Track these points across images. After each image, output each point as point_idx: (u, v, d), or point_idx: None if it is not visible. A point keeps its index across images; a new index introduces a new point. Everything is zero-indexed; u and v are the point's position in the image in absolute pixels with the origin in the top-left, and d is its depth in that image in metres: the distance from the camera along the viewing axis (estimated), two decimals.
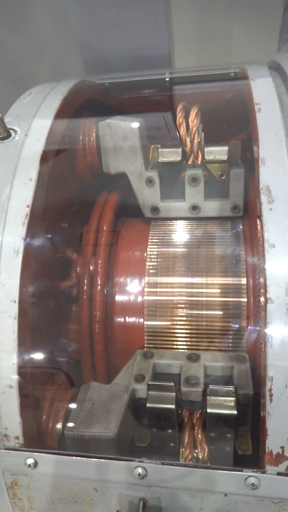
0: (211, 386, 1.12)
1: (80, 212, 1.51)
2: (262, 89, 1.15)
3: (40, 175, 1.08)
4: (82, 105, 1.46)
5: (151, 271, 1.40)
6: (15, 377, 0.97)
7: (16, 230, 1.03)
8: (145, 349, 1.35)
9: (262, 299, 0.93)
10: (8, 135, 1.15)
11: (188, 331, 1.34)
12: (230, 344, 1.32)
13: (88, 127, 1.43)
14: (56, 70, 1.80)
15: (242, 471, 0.91)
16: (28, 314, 1.01)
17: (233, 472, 0.91)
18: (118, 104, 1.66)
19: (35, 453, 0.98)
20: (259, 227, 1.00)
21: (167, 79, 1.58)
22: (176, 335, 1.35)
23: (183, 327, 1.34)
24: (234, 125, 1.69)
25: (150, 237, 1.46)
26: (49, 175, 1.13)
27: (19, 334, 0.97)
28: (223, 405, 1.09)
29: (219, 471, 0.92)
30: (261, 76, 1.20)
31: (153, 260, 1.42)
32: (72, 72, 1.74)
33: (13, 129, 1.18)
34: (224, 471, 0.92)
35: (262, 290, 0.93)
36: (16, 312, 0.98)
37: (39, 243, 1.09)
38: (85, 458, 0.98)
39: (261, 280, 0.94)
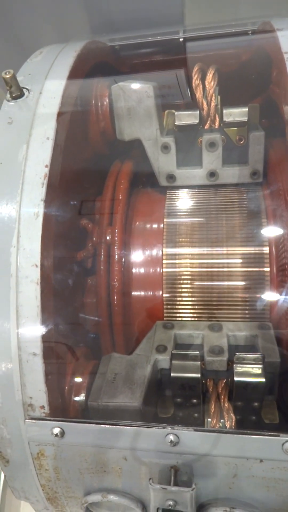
0: (237, 354, 1.09)
1: (93, 182, 1.45)
2: None
3: (58, 134, 1.02)
4: (93, 68, 1.39)
5: (168, 241, 1.35)
6: (39, 344, 0.93)
7: (35, 192, 0.97)
8: (164, 320, 1.31)
9: None
10: (21, 94, 1.09)
11: (208, 302, 1.30)
12: (253, 314, 1.29)
13: (100, 91, 1.37)
14: (61, 32, 1.71)
15: (279, 436, 0.87)
16: (50, 280, 0.97)
17: (269, 437, 0.88)
18: (130, 69, 1.58)
19: (62, 422, 0.95)
20: None
21: (181, 39, 1.50)
22: (196, 306, 1.31)
23: (203, 298, 1.30)
24: (250, 89, 1.62)
25: (166, 206, 1.41)
26: (66, 136, 1.07)
27: (42, 300, 0.93)
28: (251, 373, 1.06)
29: (255, 436, 0.89)
30: None
31: (170, 230, 1.37)
32: (78, 34, 1.65)
33: (26, 88, 1.11)
34: (260, 436, 0.88)
35: None
36: (38, 277, 0.94)
37: (58, 207, 1.04)
38: (114, 426, 0.94)
39: None
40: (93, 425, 0.95)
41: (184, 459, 0.93)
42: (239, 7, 1.47)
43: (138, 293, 1.35)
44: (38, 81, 1.12)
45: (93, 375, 1.15)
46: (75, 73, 1.16)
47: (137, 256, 1.37)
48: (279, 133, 1.35)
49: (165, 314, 1.32)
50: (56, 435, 0.95)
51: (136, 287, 1.35)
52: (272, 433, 0.88)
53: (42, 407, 0.96)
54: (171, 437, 0.91)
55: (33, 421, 0.95)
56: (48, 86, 1.11)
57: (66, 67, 1.15)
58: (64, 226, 1.14)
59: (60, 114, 1.05)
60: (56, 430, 0.95)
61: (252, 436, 0.89)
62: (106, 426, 0.94)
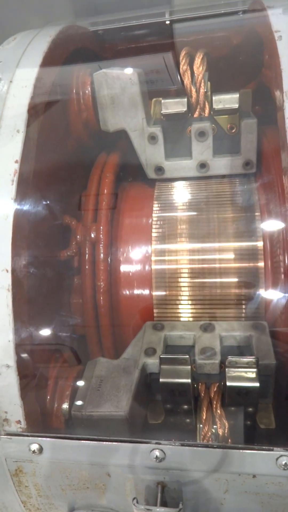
0: (229, 357, 1.04)
1: (77, 176, 1.38)
2: (282, 16, 0.99)
3: (29, 126, 0.95)
4: (74, 55, 1.30)
5: (157, 237, 1.29)
6: (13, 355, 0.87)
7: (5, 190, 0.90)
8: (154, 321, 1.25)
9: None
10: None
11: (200, 300, 1.24)
12: (247, 313, 1.22)
13: (82, 78, 1.28)
14: (43, 17, 1.62)
15: (272, 450, 0.81)
16: (23, 285, 0.90)
17: (262, 451, 0.82)
18: (114, 55, 1.50)
19: (40, 438, 0.89)
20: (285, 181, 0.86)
21: (167, 22, 1.41)
22: (187, 305, 1.25)
23: (194, 296, 1.24)
24: (241, 74, 1.54)
25: (155, 200, 1.35)
26: (39, 129, 0.99)
27: (14, 308, 0.86)
28: (244, 377, 1.01)
29: (247, 451, 0.82)
30: (279, 4, 1.04)
31: (159, 225, 1.31)
32: (62, 18, 1.56)
33: None
34: (252, 451, 0.82)
35: None
36: (9, 283, 0.87)
37: (32, 206, 0.97)
38: (95, 442, 0.88)
39: None
40: (73, 440, 0.89)
41: (172, 474, 0.87)
42: None
43: (126, 292, 1.29)
44: (9, 69, 1.04)
45: (78, 381, 1.09)
46: (50, 60, 1.08)
47: (124, 253, 1.30)
48: (272, 120, 1.28)
49: (155, 314, 1.26)
50: (34, 451, 0.89)
51: (124, 286, 1.29)
52: (265, 447, 0.82)
53: (18, 421, 0.90)
54: (157, 453, 0.85)
55: (9, 437, 0.89)
56: (20, 74, 1.03)
57: (40, 53, 1.07)
58: (41, 225, 1.07)
59: (32, 105, 0.97)
60: (34, 447, 0.89)
61: (244, 450, 0.82)
62: (87, 441, 0.88)
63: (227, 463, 0.84)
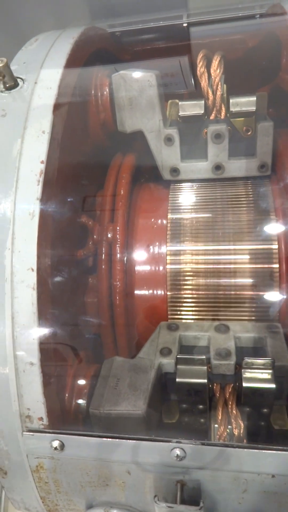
0: (246, 359, 1.04)
1: (93, 177, 1.39)
2: None
3: (54, 127, 0.96)
4: (93, 55, 1.31)
5: (172, 238, 1.29)
6: (37, 353, 0.88)
7: (31, 190, 0.91)
8: (168, 321, 1.26)
9: None
10: (15, 84, 1.02)
11: (214, 301, 1.25)
12: (261, 315, 1.23)
13: (100, 80, 1.29)
14: (59, 17, 1.63)
15: None
16: (48, 284, 0.91)
17: (282, 452, 0.83)
18: (131, 56, 1.51)
19: (61, 435, 0.90)
20: None
21: (184, 24, 1.42)
22: (201, 306, 1.26)
23: (209, 297, 1.25)
24: (257, 77, 1.55)
25: (170, 201, 1.36)
26: (63, 129, 1.00)
27: (39, 306, 0.88)
28: (260, 378, 1.01)
29: (266, 451, 0.83)
30: None
31: (174, 226, 1.31)
32: (77, 19, 1.57)
33: (20, 78, 1.04)
34: (272, 451, 0.83)
35: None
36: (34, 282, 0.88)
37: (55, 206, 0.98)
38: (116, 440, 0.89)
39: None
40: (94, 438, 0.90)
41: (191, 473, 0.88)
42: None
43: (141, 292, 1.30)
44: (33, 70, 1.05)
45: (95, 380, 1.10)
46: (72, 62, 1.09)
47: (140, 254, 1.31)
48: (287, 123, 1.29)
49: (169, 315, 1.27)
50: (56, 448, 0.90)
51: (139, 286, 1.30)
52: (285, 448, 0.83)
53: (41, 418, 0.91)
54: (177, 451, 0.86)
55: (31, 433, 0.90)
56: (44, 75, 1.04)
57: (63, 55, 1.08)
58: (62, 225, 1.08)
59: (57, 106, 0.99)
60: (56, 443, 0.90)
61: (263, 450, 0.84)
62: (108, 439, 0.89)
63: (246, 462, 0.85)
